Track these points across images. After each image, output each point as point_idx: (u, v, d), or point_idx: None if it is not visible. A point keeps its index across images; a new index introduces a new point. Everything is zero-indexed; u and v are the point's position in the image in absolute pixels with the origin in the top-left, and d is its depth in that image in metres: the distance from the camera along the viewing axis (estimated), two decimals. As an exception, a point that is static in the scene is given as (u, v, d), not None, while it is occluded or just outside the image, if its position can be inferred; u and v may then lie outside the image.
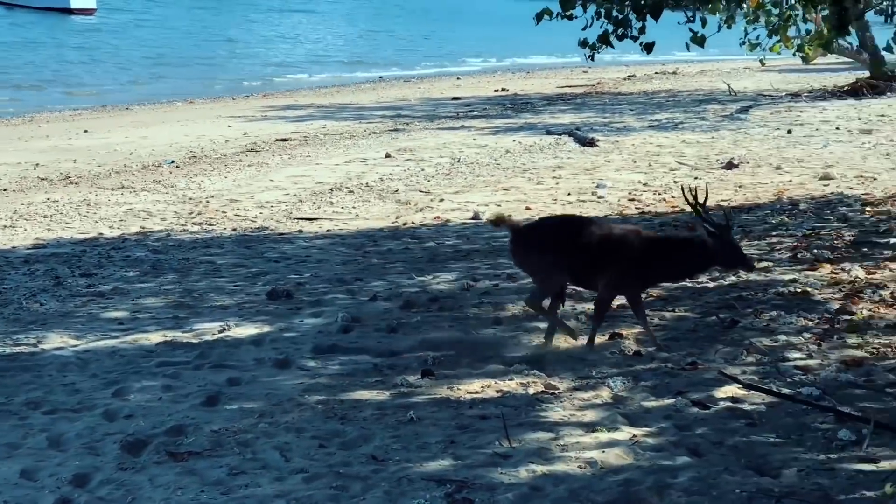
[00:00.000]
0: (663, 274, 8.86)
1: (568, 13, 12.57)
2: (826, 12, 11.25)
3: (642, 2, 12.12)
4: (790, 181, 17.06)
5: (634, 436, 6.77)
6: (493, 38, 58.17)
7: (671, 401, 7.41)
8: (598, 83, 37.96)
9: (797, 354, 8.44)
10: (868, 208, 14.47)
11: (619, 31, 12.44)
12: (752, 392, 7.40)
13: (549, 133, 23.29)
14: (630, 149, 20.97)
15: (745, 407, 7.25)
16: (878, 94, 29.57)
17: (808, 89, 31.83)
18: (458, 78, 42.23)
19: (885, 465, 6.22)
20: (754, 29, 16.16)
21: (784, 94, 31.25)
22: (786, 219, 13.90)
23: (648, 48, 12.25)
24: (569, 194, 16.17)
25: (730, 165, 18.44)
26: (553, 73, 41.05)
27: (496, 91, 35.23)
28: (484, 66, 49.20)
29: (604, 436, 6.81)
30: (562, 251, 8.51)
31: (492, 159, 19.90)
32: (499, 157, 20.21)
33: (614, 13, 12.48)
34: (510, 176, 18.07)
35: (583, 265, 8.57)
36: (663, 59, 45.73)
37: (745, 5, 14.64)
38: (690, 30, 13.02)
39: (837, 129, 23.54)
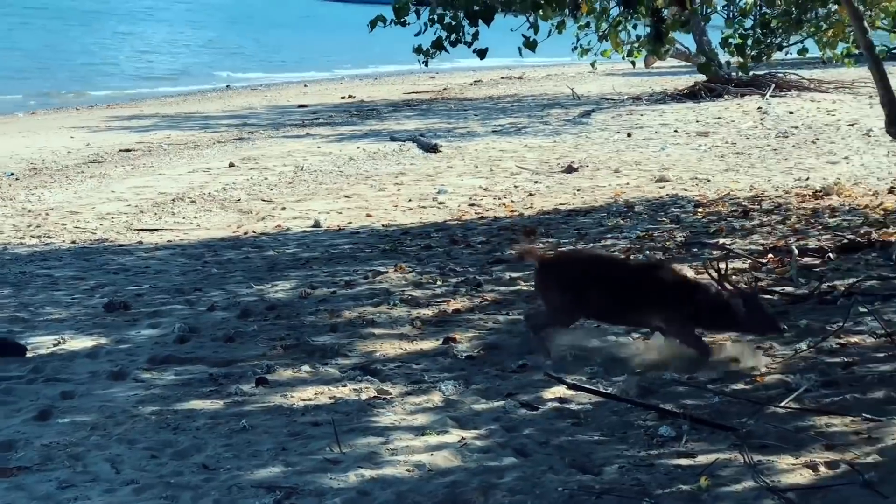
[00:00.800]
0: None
1: (401, 20, 12.63)
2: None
3: (475, 8, 12.25)
4: (628, 184, 17.41)
5: (463, 438, 6.86)
6: (343, 44, 58.26)
7: (501, 403, 7.52)
8: (444, 89, 38.16)
9: (626, 354, 8.61)
10: (700, 209, 14.84)
11: (453, 36, 12.52)
12: (580, 392, 7.55)
13: (393, 139, 23.39)
14: (473, 154, 21.18)
15: (573, 407, 7.39)
16: (715, 96, 30.30)
17: (649, 92, 32.53)
18: (305, 85, 42.14)
19: (701, 459, 6.40)
20: (585, 34, 16.40)
21: (626, 97, 31.87)
22: (621, 221, 14.18)
23: (481, 54, 12.36)
24: (410, 200, 16.30)
25: (569, 169, 18.74)
26: (401, 80, 41.20)
27: (343, 98, 35.20)
28: (332, 73, 49.11)
29: (433, 439, 6.88)
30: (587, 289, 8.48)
31: (335, 167, 19.95)
32: (342, 164, 20.26)
33: (447, 19, 12.57)
34: (353, 183, 18.14)
35: (620, 305, 8.50)
36: (511, 64, 46.14)
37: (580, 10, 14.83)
38: (522, 35, 13.17)
39: (676, 131, 24.06)
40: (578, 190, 16.91)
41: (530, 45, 13.60)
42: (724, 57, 18.04)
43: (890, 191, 15.91)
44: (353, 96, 35.59)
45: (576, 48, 17.05)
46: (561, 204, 15.64)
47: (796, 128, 24.08)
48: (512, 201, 16.01)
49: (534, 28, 13.89)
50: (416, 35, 12.89)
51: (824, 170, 18.54)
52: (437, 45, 12.64)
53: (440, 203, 16.02)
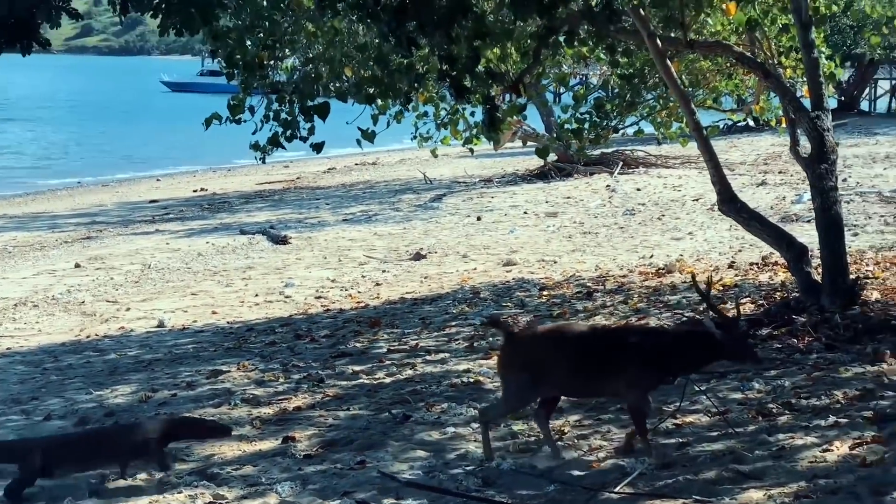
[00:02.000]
0: (676, 369, 8.39)
1: (237, 118, 12.65)
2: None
3: (309, 103, 12.30)
4: (475, 269, 17.51)
5: (295, 543, 6.80)
6: (198, 136, 57.75)
7: (337, 502, 7.45)
8: (297, 178, 38.10)
9: (464, 446, 8.61)
10: (545, 292, 14.95)
11: (289, 132, 12.56)
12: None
13: (242, 233, 23.28)
14: (322, 244, 21.17)
15: (409, 503, 7.35)
16: (565, 175, 30.65)
17: (500, 174, 32.79)
18: (157, 179, 41.71)
19: (535, 551, 6.41)
20: (424, 123, 16.60)
21: (478, 179, 32.08)
22: (466, 308, 14.23)
23: (318, 148, 12.42)
24: (256, 295, 16.22)
25: (417, 256, 18.81)
26: (254, 170, 40.84)
27: (195, 191, 34.93)
28: (186, 167, 48.72)
29: (264, 545, 6.81)
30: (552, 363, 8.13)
31: (183, 263, 19.77)
32: (190, 260, 20.09)
33: (283, 115, 12.60)
34: (200, 280, 18.00)
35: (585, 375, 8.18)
36: (366, 150, 46.16)
37: (413, 100, 15.00)
38: (359, 128, 13.27)
39: (525, 213, 24.30)
40: (426, 277, 16.97)
41: (368, 136, 13.71)
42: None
43: (730, 265, 16.22)
44: (206, 189, 35.33)
45: (415, 137, 17.24)
46: (408, 293, 15.68)
47: (643, 205, 24.47)
48: (358, 292, 16.02)
49: (373, 119, 14.01)
50: (254, 133, 12.90)
51: (669, 246, 18.86)
52: (274, 142, 12.67)
53: (287, 297, 15.96)
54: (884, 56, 49.72)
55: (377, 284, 16.72)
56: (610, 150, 32.26)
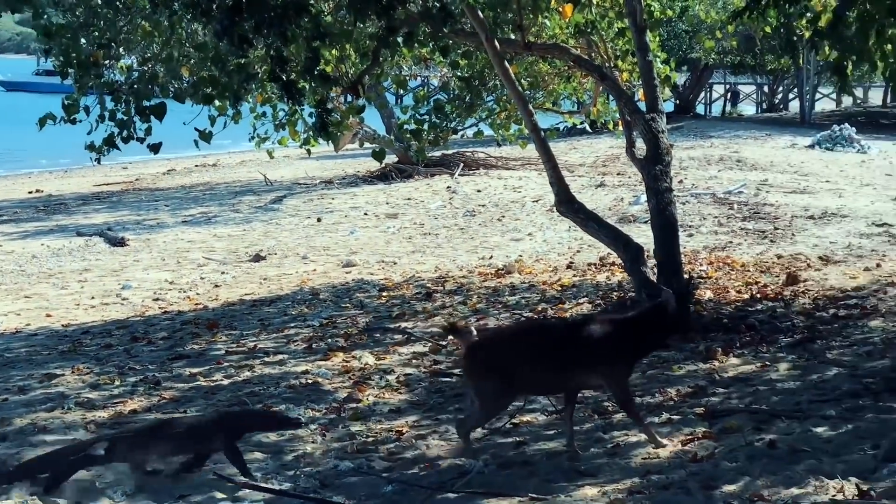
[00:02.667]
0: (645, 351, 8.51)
1: (71, 118, 12.41)
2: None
3: (145, 104, 12.13)
4: (315, 270, 17.44)
5: (123, 549, 6.70)
6: (33, 137, 56.52)
7: (172, 506, 7.36)
8: (136, 179, 37.47)
9: (302, 447, 8.57)
10: (384, 293, 14.96)
11: (125, 133, 12.35)
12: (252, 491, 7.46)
13: (79, 234, 22.82)
14: (161, 246, 20.88)
15: (245, 506, 7.30)
16: (406, 177, 30.68)
17: (341, 175, 32.69)
18: (-12, 182, 40.64)
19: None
20: (263, 124, 16.55)
21: (319, 181, 31.95)
22: (305, 309, 14.18)
23: (155, 149, 12.24)
24: (93, 298, 15.91)
25: (257, 258, 18.68)
26: (91, 171, 39.99)
27: (30, 192, 34.04)
28: (20, 167, 47.58)
29: (90, 553, 6.69)
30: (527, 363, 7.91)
31: (17, 266, 19.28)
32: (24, 262, 19.61)
33: (119, 115, 12.39)
34: (34, 282, 17.58)
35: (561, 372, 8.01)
36: (207, 151, 45.64)
37: (250, 101, 14.90)
38: (196, 129, 13.11)
39: (366, 214, 24.28)
40: (265, 279, 16.85)
41: (205, 137, 13.58)
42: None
43: (569, 266, 16.41)
44: (41, 190, 34.48)
45: (253, 138, 17.14)
46: (247, 294, 15.56)
47: (483, 206, 24.62)
48: (197, 294, 15.83)
49: (210, 120, 13.87)
50: (89, 133, 12.67)
51: (508, 247, 19.02)
52: (109, 143, 12.45)
53: (124, 299, 15.70)
54: (717, 61, 50.80)
55: (216, 286, 16.54)
56: (451, 152, 32.43)
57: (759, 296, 13.22)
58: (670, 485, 7.16)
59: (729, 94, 66.25)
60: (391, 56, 13.70)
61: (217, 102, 13.16)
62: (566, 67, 16.79)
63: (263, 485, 7.51)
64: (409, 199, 26.58)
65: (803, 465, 7.20)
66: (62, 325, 14.12)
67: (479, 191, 27.36)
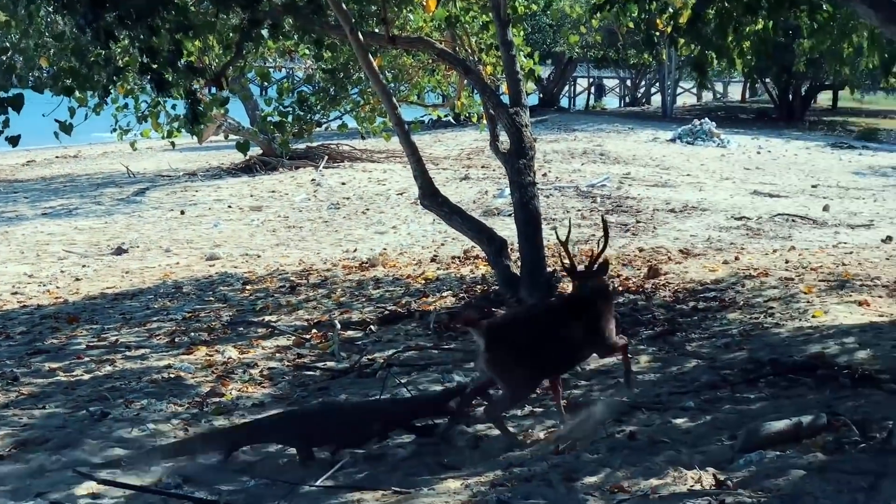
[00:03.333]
0: None
1: (-79, 112, 12.07)
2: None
3: (2, 95, 11.86)
4: (178, 263, 17.28)
5: (-20, 548, 6.58)
6: None
7: (31, 503, 7.23)
8: (-9, 170, 36.63)
9: (163, 441, 8.50)
10: (248, 287, 14.87)
11: (-20, 124, 12.06)
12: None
13: (-67, 229, 22.23)
14: (20, 239, 20.44)
15: (105, 502, 7.20)
16: (271, 170, 30.44)
17: (205, 168, 32.32)
18: None
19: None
20: (125, 116, 16.36)
21: (182, 173, 31.55)
22: (168, 303, 14.04)
23: (14, 142, 11.96)
24: (-54, 294, 15.54)
25: (119, 251, 18.43)
26: (-54, 162, 39.15)
27: None
28: None
29: (-54, 554, 6.57)
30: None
31: None
32: None
33: (-27, 108, 12.09)
34: None
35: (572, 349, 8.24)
36: (68, 143, 44.63)
37: (113, 92, 14.69)
38: (56, 120, 12.88)
39: (230, 207, 24.08)
40: (127, 272, 16.63)
41: (66, 128, 13.33)
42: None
43: (433, 259, 16.47)
44: None
45: (115, 129, 16.91)
46: (108, 287, 15.34)
47: (348, 198, 24.57)
48: (57, 287, 15.57)
49: (70, 112, 13.64)
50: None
51: (373, 240, 19.04)
52: (-35, 137, 12.14)
53: (-25, 294, 15.37)
54: (581, 55, 51.26)
55: (77, 280, 16.27)
56: (315, 144, 32.27)
57: (621, 289, 13.39)
58: (532, 476, 7.23)
59: (594, 88, 66.88)
60: (255, 48, 13.60)
61: (78, 94, 12.96)
62: (430, 61, 16.84)
63: (122, 482, 7.42)
64: (273, 191, 26.42)
65: (663, 456, 7.32)
66: (-86, 320, 13.78)
67: (343, 183, 27.29)
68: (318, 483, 7.32)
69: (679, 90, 63.54)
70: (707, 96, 63.91)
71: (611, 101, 66.36)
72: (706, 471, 6.96)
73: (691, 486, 6.79)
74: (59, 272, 16.86)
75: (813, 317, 11.36)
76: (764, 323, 11.32)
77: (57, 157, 40.58)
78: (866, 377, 9.02)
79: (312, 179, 28.20)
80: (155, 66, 9.68)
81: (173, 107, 14.67)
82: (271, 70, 18.52)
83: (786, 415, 7.85)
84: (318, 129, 17.84)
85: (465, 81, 15.46)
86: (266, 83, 19.04)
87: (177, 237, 20.10)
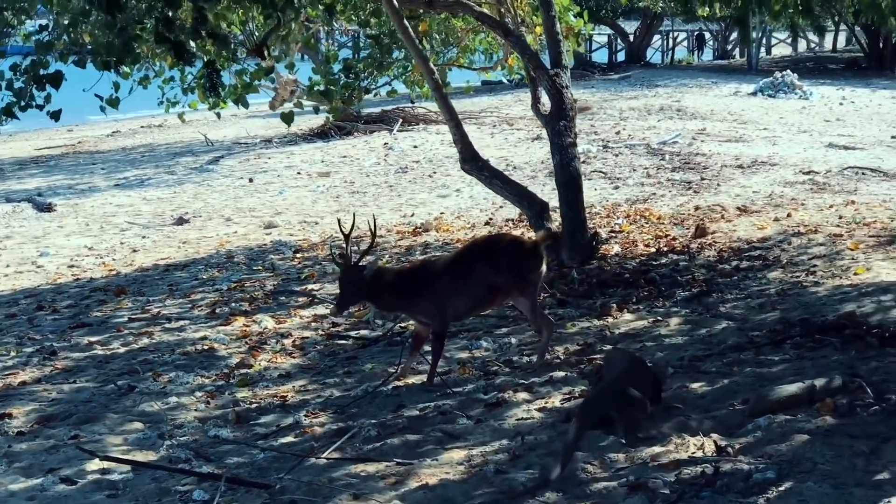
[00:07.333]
0: None
1: (-33, 88, 12.24)
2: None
3: (42, 72, 11.97)
4: (235, 232, 17.34)
5: (-18, 525, 6.66)
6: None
7: (40, 480, 7.29)
8: (79, 142, 37.04)
9: (184, 415, 8.55)
10: (298, 255, 14.90)
11: (22, 102, 12.18)
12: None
13: (8, 201, 22.50)
14: (88, 211, 20.64)
15: (114, 478, 7.24)
16: (346, 134, 30.46)
17: (282, 134, 32.38)
18: (-70, 146, 40.02)
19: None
20: (171, 88, 16.45)
21: (259, 140, 31.66)
22: (216, 273, 14.10)
23: (55, 116, 12.09)
24: (8, 266, 15.73)
25: (180, 221, 18.55)
26: (35, 134, 39.64)
27: (-31, 159, 33.66)
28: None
29: (-46, 529, 6.66)
30: None
31: (-62, 234, 19.01)
32: (-54, 231, 19.33)
33: (18, 84, 12.22)
34: (-48, 251, 17.35)
35: None
36: (157, 112, 44.97)
37: (159, 65, 14.78)
38: (96, 95, 12.98)
39: (298, 173, 24.10)
40: (184, 242, 16.73)
41: (112, 102, 13.46)
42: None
43: (487, 223, 16.40)
44: (-20, 156, 34.08)
45: (161, 102, 16.99)
46: (162, 258, 15.45)
47: (417, 162, 24.49)
48: (113, 259, 15.71)
49: (115, 86, 13.74)
50: (-16, 104, 12.49)
51: (433, 204, 18.97)
52: (7, 112, 12.27)
53: (39, 267, 15.54)
54: (667, 9, 50.48)
55: (134, 251, 16.40)
56: (391, 108, 32.27)
57: (666, 249, 13.25)
58: (537, 445, 7.19)
59: (693, 41, 65.75)
60: (296, 16, 13.55)
61: (124, 68, 13.03)
62: (479, 23, 16.71)
63: (123, 457, 7.48)
64: (344, 156, 26.40)
65: (671, 423, 7.23)
66: (-32, 296, 13.98)
67: (415, 146, 27.20)
68: (324, 455, 7.33)
69: (774, 41, 62.68)
70: (802, 46, 62.91)
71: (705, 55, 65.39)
72: (709, 437, 6.87)
73: (692, 452, 6.71)
74: (118, 244, 17.00)
75: (854, 274, 11.15)
76: (803, 282, 11.13)
77: (142, 126, 40.98)
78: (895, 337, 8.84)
79: (385, 143, 28.15)
80: (173, 36, 9.69)
81: (200, 77, 14.63)
82: (322, 37, 18.46)
83: (807, 377, 7.73)
84: (367, 95, 17.77)
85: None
86: (313, 51, 18.99)
87: (240, 205, 20.17)
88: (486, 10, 13.53)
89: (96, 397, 9.19)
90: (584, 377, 8.59)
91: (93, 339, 11.17)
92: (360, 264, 8.84)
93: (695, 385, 8.15)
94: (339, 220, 9.63)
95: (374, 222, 9.47)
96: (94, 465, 7.47)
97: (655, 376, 7.85)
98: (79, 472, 7.40)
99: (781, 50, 64.35)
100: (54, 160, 31.29)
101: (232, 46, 12.57)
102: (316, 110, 17.24)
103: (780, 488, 5.99)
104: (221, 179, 24.11)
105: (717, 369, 8.51)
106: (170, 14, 9.74)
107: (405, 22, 12.40)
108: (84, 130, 41.51)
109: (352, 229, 8.78)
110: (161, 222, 18.86)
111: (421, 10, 13.88)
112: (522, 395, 8.31)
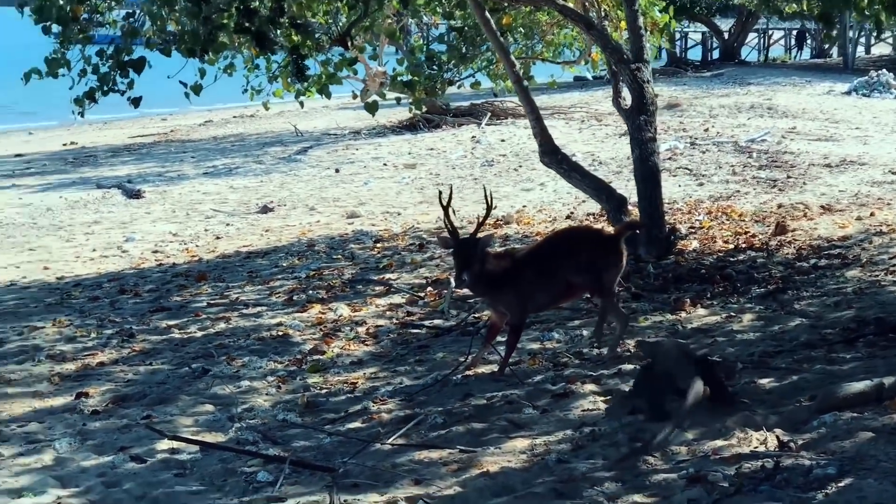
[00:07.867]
0: None
1: (54, 72, 12.46)
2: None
3: (124, 58, 12.16)
4: (318, 222, 17.47)
5: (59, 498, 6.78)
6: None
7: (111, 458, 7.42)
8: (171, 130, 37.52)
9: (254, 399, 8.65)
10: (378, 245, 14.98)
11: (105, 87, 12.39)
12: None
13: (99, 187, 22.85)
14: (176, 198, 20.90)
15: (182, 457, 7.37)
16: (434, 127, 30.57)
17: (372, 126, 32.53)
18: (29, 133, 40.61)
19: (291, 502, 6.47)
20: (256, 76, 16.60)
21: (348, 131, 31.85)
22: (296, 261, 14.21)
23: (136, 103, 12.31)
24: (94, 250, 15.97)
25: (265, 209, 18.71)
26: (131, 122, 40.16)
27: (65, 145, 34.11)
28: (62, 119, 47.57)
29: (28, 501, 6.78)
30: None
31: (30, 218, 19.31)
32: (38, 215, 19.63)
33: (103, 69, 12.42)
34: (42, 235, 17.62)
35: None
36: (248, 103, 45.27)
37: (245, 53, 14.91)
38: (180, 82, 13.12)
39: (385, 164, 24.23)
40: (267, 230, 16.89)
41: (196, 88, 13.60)
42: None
43: (568, 216, 16.38)
44: (76, 143, 34.55)
45: (246, 90, 17.14)
46: (244, 246, 15.60)
47: (504, 155, 24.49)
48: (196, 246, 15.90)
49: (199, 73, 13.89)
50: (71, 88, 12.71)
51: (517, 197, 18.96)
52: (90, 97, 12.49)
53: (124, 252, 15.77)
54: (762, 8, 49.94)
55: (217, 238, 16.57)
56: (480, 101, 32.30)
57: (744, 246, 13.16)
58: (601, 436, 7.20)
59: (794, 39, 64.90)
60: (379, 6, 13.63)
61: (210, 55, 13.17)
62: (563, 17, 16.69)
63: (191, 437, 7.59)
64: (431, 149, 26.48)
65: (736, 417, 7.20)
66: (56, 279, 14.19)
67: (502, 140, 27.21)
68: (389, 441, 7.39)
69: (873, 41, 61.79)
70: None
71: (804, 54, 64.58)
72: (773, 432, 6.84)
73: (755, 447, 6.69)
74: (202, 231, 17.20)
75: (936, 273, 11.02)
76: (882, 281, 11.02)
77: (234, 116, 41.36)
78: (970, 338, 8.74)
79: (473, 136, 28.19)
80: (253, 26, 9.80)
81: (285, 65, 14.72)
82: (404, 27, 18.51)
83: (877, 376, 7.65)
84: (450, 87, 17.81)
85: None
86: (397, 42, 19.03)
87: (325, 195, 20.31)
88: (569, 4, 13.51)
89: (170, 379, 9.34)
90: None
91: (171, 322, 11.34)
92: (477, 237, 8.87)
93: (763, 381, 8.10)
94: (439, 192, 9.58)
95: (489, 194, 9.39)
96: (164, 444, 7.60)
97: (713, 370, 7.76)
98: (149, 451, 7.53)
99: (881, 49, 63.41)
100: (146, 148, 31.75)
101: (315, 36, 12.63)
102: (398, 101, 17.26)
103: (840, 484, 5.95)
104: (308, 169, 24.32)
105: (786, 366, 8.45)
106: (250, 4, 9.82)
107: (487, 14, 12.42)
108: (177, 119, 42.01)
109: (449, 201, 8.75)
110: (246, 210, 19.05)
111: (505, 3, 13.87)
112: (590, 387, 8.32)
